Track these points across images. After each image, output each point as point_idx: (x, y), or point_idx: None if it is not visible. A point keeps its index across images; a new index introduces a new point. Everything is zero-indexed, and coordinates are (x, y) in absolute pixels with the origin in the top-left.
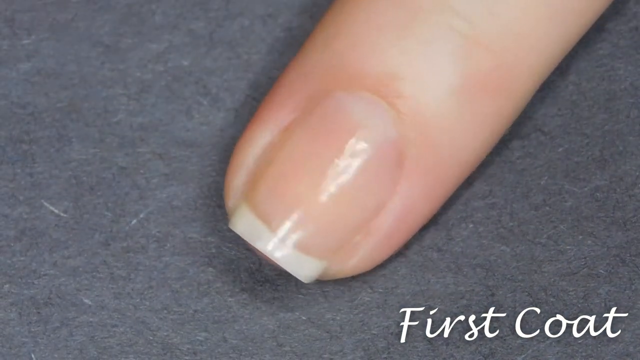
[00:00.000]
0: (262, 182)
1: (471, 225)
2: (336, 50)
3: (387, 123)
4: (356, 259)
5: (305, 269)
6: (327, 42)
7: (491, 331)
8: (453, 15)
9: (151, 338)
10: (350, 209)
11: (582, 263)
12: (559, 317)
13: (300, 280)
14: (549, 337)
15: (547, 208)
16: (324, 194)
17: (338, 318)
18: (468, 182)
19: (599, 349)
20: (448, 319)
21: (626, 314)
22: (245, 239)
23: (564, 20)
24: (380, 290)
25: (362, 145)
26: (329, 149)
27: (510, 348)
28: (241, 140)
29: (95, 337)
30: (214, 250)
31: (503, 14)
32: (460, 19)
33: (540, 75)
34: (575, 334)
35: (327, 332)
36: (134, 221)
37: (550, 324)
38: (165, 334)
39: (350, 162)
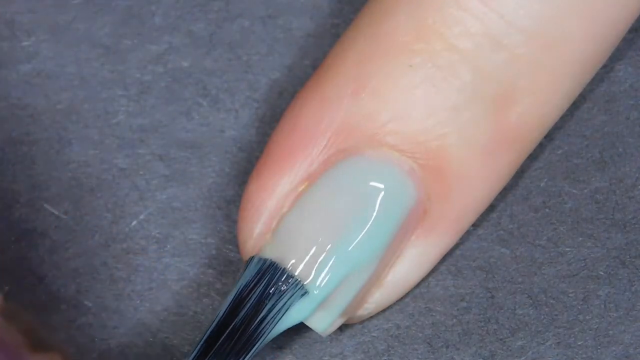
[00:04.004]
0: (286, 236)
1: (471, 228)
2: (365, 104)
3: (414, 184)
4: (367, 311)
5: (325, 324)
6: (355, 92)
7: (491, 333)
8: (480, 75)
9: (151, 340)
10: (375, 273)
11: (582, 265)
12: (559, 318)
13: None
14: (548, 339)
15: (547, 210)
16: (350, 254)
17: None
18: None
19: (598, 350)
20: (448, 321)
21: (626, 316)
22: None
23: (583, 70)
24: None
25: (390, 207)
26: (355, 210)
27: (510, 350)
28: (256, 184)
29: (96, 339)
30: (214, 252)
31: (524, 70)
32: (487, 80)
33: (557, 118)
34: (575, 336)
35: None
36: (134, 222)
37: (550, 326)
38: (165, 335)
39: (378, 224)
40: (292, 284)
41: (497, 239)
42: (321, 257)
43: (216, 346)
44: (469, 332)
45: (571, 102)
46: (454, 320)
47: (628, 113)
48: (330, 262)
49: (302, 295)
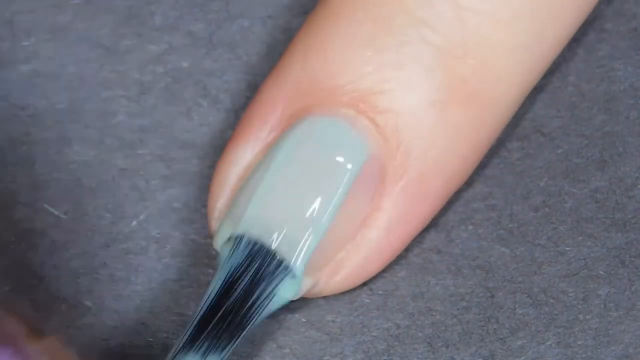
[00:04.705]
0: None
1: (471, 227)
2: (313, 66)
3: (367, 139)
4: (342, 275)
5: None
6: (304, 58)
7: (491, 333)
8: (425, 28)
9: (151, 340)
10: (333, 227)
11: (582, 264)
12: (558, 318)
13: None
14: (548, 339)
15: (547, 209)
16: (307, 214)
17: (338, 320)
18: (467, 184)
19: (598, 350)
20: (448, 321)
21: (626, 315)
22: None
23: (539, 24)
24: (380, 292)
25: (343, 164)
26: (310, 169)
27: (510, 350)
28: (222, 159)
29: (96, 339)
30: (214, 252)
31: (472, 23)
32: (432, 32)
33: (522, 81)
34: (575, 336)
35: (327, 334)
36: (134, 223)
37: (550, 326)
38: (165, 335)
39: (332, 181)
40: (282, 268)
41: (496, 238)
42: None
43: (209, 328)
44: (469, 331)
45: (546, 56)
46: (454, 319)
47: (628, 112)
48: (306, 235)
49: (290, 277)
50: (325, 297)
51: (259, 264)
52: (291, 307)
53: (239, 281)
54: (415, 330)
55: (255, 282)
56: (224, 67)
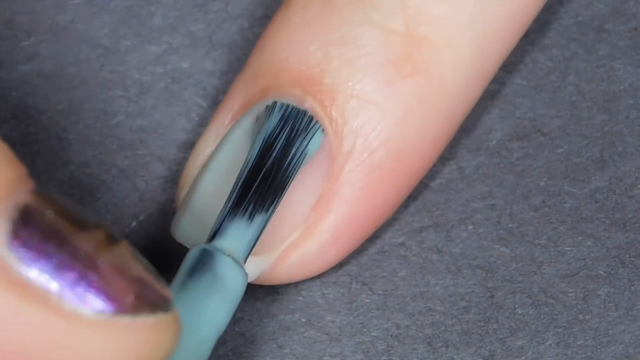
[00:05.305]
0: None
1: (471, 227)
2: (267, 52)
3: (315, 120)
4: (296, 258)
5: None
6: (261, 46)
7: (491, 333)
8: (368, 8)
9: None
10: (284, 206)
11: (582, 264)
12: (558, 318)
13: (299, 282)
14: (548, 339)
15: (547, 209)
16: None
17: (338, 320)
18: (467, 183)
19: (598, 350)
20: (448, 321)
21: (626, 315)
22: (186, 245)
23: (481, 3)
24: (380, 292)
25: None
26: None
27: (510, 350)
28: (191, 152)
29: None
30: None
31: (412, 1)
32: (374, 10)
33: (470, 59)
34: (575, 336)
35: (327, 334)
36: (134, 224)
37: (550, 326)
38: None
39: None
40: (313, 125)
41: (496, 238)
42: None
43: (252, 191)
44: (468, 331)
45: (496, 32)
46: (454, 319)
47: (628, 112)
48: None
49: (319, 131)
50: (324, 297)
51: (293, 123)
52: (291, 307)
53: (276, 142)
54: (415, 330)
55: (291, 140)
56: (223, 68)
